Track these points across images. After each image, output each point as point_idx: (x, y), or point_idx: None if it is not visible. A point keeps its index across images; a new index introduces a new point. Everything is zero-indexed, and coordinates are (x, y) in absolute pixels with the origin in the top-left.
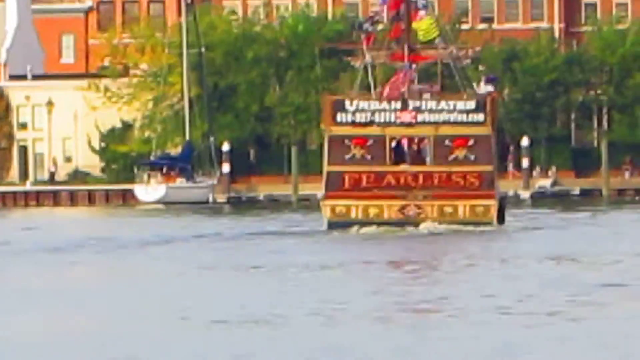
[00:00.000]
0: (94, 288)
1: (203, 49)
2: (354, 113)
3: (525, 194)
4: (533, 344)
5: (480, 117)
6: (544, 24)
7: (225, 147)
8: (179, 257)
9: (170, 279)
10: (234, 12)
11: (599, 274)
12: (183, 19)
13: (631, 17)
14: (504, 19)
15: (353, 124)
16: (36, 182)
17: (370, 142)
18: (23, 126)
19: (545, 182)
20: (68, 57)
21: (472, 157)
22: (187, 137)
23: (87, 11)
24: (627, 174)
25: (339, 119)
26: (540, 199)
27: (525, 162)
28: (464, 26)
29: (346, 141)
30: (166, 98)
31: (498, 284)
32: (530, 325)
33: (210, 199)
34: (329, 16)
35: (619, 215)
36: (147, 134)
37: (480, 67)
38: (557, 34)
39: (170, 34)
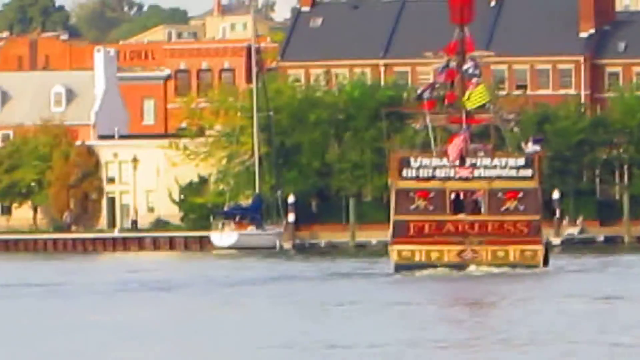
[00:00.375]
0: (222, 320)
1: (271, 112)
2: (417, 169)
3: (556, 241)
4: None
5: (528, 172)
6: (572, 91)
7: (291, 198)
8: (276, 295)
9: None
10: (297, 80)
11: None
12: (253, 85)
13: None
14: (537, 86)
15: (417, 178)
16: (122, 230)
17: (432, 194)
18: (111, 180)
19: (574, 230)
20: (149, 119)
21: (522, 208)
22: (257, 190)
23: (166, 79)
24: None
25: (404, 174)
26: (569, 245)
27: (556, 213)
28: (501, 92)
29: (411, 194)
30: (238, 155)
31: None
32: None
33: (278, 245)
34: (382, 83)
35: None
36: (221, 187)
37: (516, 129)
38: (583, 100)
39: (242, 99)
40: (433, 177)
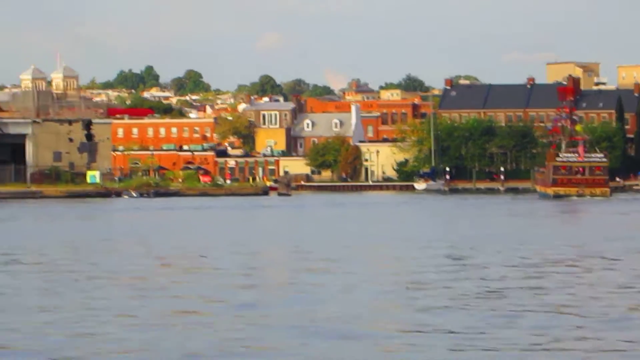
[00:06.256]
0: None
1: (438, 132)
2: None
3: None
4: None
5: (604, 159)
6: None
7: (447, 169)
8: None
9: None
10: (450, 119)
11: None
12: (431, 119)
13: None
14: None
15: (561, 161)
16: (373, 181)
17: (567, 167)
18: (366, 160)
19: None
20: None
21: (601, 173)
22: (433, 164)
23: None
24: None
25: (557, 159)
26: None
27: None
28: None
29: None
30: (423, 150)
31: None
32: None
33: (443, 189)
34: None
35: None
36: (415, 163)
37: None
38: None
39: (424, 125)
40: (568, 160)
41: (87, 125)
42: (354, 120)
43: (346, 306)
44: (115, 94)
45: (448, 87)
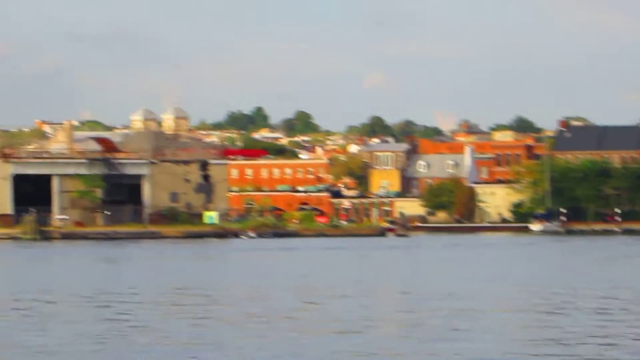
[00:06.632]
0: None
1: (551, 173)
2: None
3: None
4: None
5: None
6: None
7: (562, 210)
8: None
9: None
10: (565, 160)
11: None
12: (546, 159)
13: None
14: None
15: None
16: (489, 222)
17: None
18: (480, 201)
19: None
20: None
21: None
22: (549, 206)
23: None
24: None
25: None
26: None
27: None
28: None
29: None
30: (537, 191)
31: None
32: None
33: (559, 231)
34: None
35: None
36: (531, 205)
37: None
38: None
39: (537, 167)
40: None
41: (204, 166)
42: (468, 161)
43: None
44: (225, 134)
45: (562, 129)
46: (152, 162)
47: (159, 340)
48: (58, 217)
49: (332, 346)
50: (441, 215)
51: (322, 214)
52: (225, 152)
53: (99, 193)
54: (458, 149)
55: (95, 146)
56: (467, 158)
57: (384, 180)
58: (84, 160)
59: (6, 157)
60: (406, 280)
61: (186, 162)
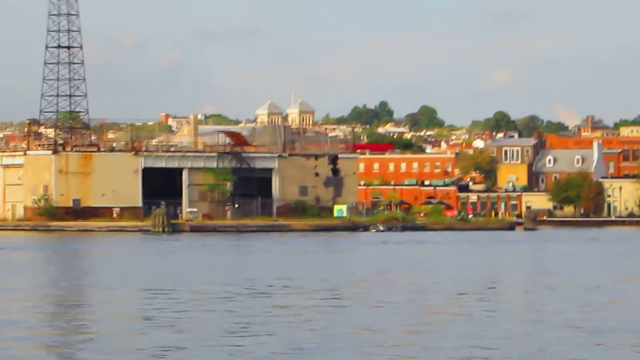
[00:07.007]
0: None
1: None
2: None
3: None
4: None
5: None
6: None
7: None
8: None
9: None
10: None
11: None
12: None
13: None
14: None
15: None
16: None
17: None
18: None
19: None
20: None
21: None
22: None
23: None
24: None
25: None
26: None
27: None
28: None
29: None
30: None
31: None
32: None
33: None
34: None
35: None
36: None
37: None
38: None
39: None
40: None
41: (334, 160)
42: (595, 156)
43: None
44: (349, 129)
45: None
46: (282, 156)
47: None
48: (187, 209)
49: None
50: (568, 209)
51: (449, 207)
52: (354, 146)
53: (228, 186)
54: (585, 144)
55: (224, 140)
56: (595, 153)
57: (511, 175)
58: (213, 154)
59: (136, 150)
60: (577, 275)
61: (316, 157)
